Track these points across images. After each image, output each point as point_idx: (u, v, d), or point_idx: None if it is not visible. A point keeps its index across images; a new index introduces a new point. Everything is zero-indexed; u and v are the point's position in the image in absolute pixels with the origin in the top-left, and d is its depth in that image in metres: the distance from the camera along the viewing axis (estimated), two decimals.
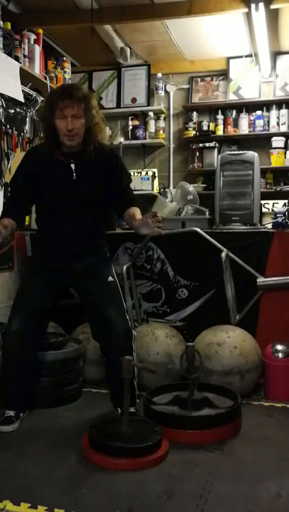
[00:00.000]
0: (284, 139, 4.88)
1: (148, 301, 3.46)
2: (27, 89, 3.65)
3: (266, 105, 4.96)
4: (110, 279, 2.64)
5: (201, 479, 2.02)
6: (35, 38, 3.96)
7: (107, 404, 2.66)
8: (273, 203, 4.47)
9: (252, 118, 5.00)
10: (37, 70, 3.93)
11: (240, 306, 3.19)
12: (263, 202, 4.22)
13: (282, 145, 4.88)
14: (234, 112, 5.07)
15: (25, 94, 3.59)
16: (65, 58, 4.56)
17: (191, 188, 3.89)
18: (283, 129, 4.89)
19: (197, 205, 3.73)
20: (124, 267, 3.35)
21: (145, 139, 5.23)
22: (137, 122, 5.29)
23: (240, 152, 3.76)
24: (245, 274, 3.19)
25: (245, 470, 2.10)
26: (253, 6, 3.50)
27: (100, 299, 2.58)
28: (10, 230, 2.55)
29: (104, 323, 2.56)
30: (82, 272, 2.60)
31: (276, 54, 4.89)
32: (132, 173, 4.91)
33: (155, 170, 5.20)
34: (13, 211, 2.64)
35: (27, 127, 3.67)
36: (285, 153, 4.88)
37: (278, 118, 4.91)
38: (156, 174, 5.17)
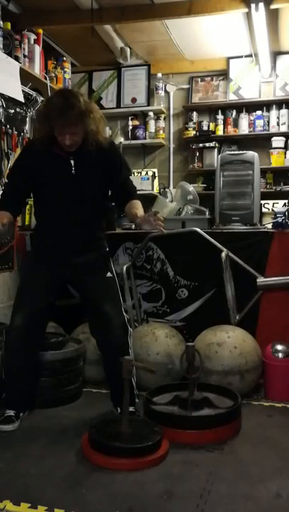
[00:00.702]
0: (284, 139, 4.88)
1: (148, 301, 3.46)
2: (27, 89, 3.65)
3: (266, 105, 4.96)
4: (109, 274, 2.64)
5: (201, 479, 2.02)
6: (35, 38, 3.96)
7: (107, 404, 2.67)
8: (273, 203, 4.47)
9: (252, 118, 5.00)
10: (37, 70, 3.93)
11: (240, 306, 3.19)
12: (263, 202, 4.22)
13: (282, 145, 4.88)
14: (234, 112, 5.06)
15: (25, 94, 3.60)
16: (65, 58, 4.56)
17: (191, 188, 3.89)
18: (283, 129, 4.89)
19: (197, 205, 3.73)
20: (124, 267, 3.35)
21: (145, 139, 5.23)
22: (137, 122, 5.29)
23: (240, 152, 3.76)
24: (245, 274, 3.19)
25: (245, 470, 2.10)
26: (253, 6, 3.50)
27: (98, 294, 2.58)
28: (7, 224, 2.52)
29: (101, 319, 2.56)
30: (81, 266, 2.60)
31: (276, 54, 4.89)
32: (132, 174, 4.92)
33: (155, 170, 5.20)
34: (9, 203, 2.61)
35: (27, 127, 3.67)
36: (285, 153, 4.87)
37: (278, 118, 4.91)
38: (156, 174, 5.17)
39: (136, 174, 4.96)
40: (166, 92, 5.31)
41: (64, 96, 2.45)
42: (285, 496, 1.90)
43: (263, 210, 4.27)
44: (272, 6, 3.58)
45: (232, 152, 4.09)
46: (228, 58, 5.07)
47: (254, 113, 5.00)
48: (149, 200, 4.19)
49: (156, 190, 4.94)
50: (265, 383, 2.99)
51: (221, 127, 5.08)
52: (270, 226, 3.46)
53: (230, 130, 5.05)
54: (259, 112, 4.97)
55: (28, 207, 3.60)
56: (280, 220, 3.27)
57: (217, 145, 5.01)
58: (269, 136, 4.92)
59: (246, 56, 4.94)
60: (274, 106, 4.92)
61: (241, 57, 4.98)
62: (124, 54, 4.96)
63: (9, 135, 3.45)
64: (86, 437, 2.26)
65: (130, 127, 5.27)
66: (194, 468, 2.11)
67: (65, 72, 4.39)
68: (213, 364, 2.85)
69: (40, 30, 4.03)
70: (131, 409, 2.42)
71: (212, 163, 4.87)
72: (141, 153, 5.38)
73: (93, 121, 2.46)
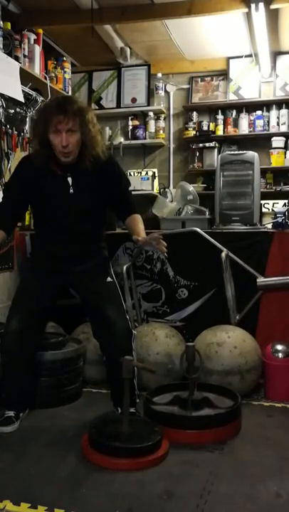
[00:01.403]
0: (284, 139, 4.88)
1: (148, 301, 3.46)
2: (27, 89, 3.65)
3: (266, 105, 4.96)
4: (109, 279, 2.64)
5: (201, 479, 2.02)
6: (35, 38, 3.96)
7: (107, 404, 2.67)
8: (273, 203, 4.47)
9: (252, 118, 4.99)
10: (37, 70, 3.93)
11: (240, 306, 3.19)
12: (263, 202, 4.22)
13: (282, 145, 4.88)
14: (234, 112, 5.06)
15: (25, 94, 3.60)
16: (65, 58, 4.56)
17: (191, 188, 3.89)
18: (283, 129, 4.89)
19: (197, 205, 3.73)
20: (124, 267, 3.35)
21: (145, 139, 5.23)
22: (137, 122, 5.29)
23: (240, 152, 3.76)
24: (245, 274, 3.19)
25: (245, 470, 2.10)
26: (253, 6, 3.50)
27: (100, 299, 2.58)
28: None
29: (104, 323, 2.56)
30: (80, 273, 2.61)
31: (276, 54, 4.89)
32: (132, 173, 4.93)
33: (155, 170, 5.19)
34: (3, 219, 2.56)
35: (27, 127, 3.67)
36: (285, 153, 4.87)
37: (278, 118, 4.91)
38: (156, 174, 5.17)
39: (136, 174, 4.96)
40: (166, 92, 5.31)
41: (62, 96, 2.44)
42: (285, 496, 1.90)
43: (263, 210, 4.27)
44: (272, 6, 3.58)
45: (232, 152, 4.09)
46: (228, 58, 5.07)
47: (254, 113, 4.99)
48: (149, 200, 4.20)
49: (156, 190, 4.94)
50: (265, 383, 2.99)
51: (221, 127, 5.08)
52: (270, 226, 3.47)
53: (230, 130, 5.05)
54: (259, 112, 4.97)
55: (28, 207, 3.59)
56: (280, 220, 3.27)
57: (217, 145, 5.01)
58: (269, 136, 4.92)
59: (246, 56, 4.94)
60: (274, 106, 4.92)
61: (241, 57, 4.98)
62: (124, 54, 4.96)
63: (9, 135, 3.44)
64: (86, 437, 2.26)
65: (130, 127, 5.27)
66: (194, 468, 2.11)
67: (65, 72, 4.39)
68: (213, 364, 2.85)
69: (40, 30, 4.02)
70: (132, 410, 2.42)
71: (212, 163, 4.87)
72: (141, 153, 5.38)
73: (91, 128, 2.42)
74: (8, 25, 3.55)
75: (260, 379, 2.99)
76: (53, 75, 4.25)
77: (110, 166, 2.61)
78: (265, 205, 4.45)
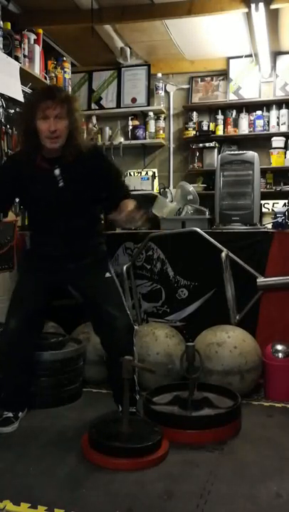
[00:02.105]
0: (284, 139, 4.88)
1: (148, 301, 3.46)
2: (27, 89, 3.65)
3: (266, 105, 4.96)
4: (108, 274, 2.59)
5: (201, 479, 2.02)
6: (35, 38, 3.96)
7: (107, 404, 2.66)
8: (273, 203, 4.47)
9: (252, 118, 5.00)
10: (37, 70, 3.93)
11: (240, 306, 3.19)
12: (263, 202, 4.22)
13: (282, 145, 4.89)
14: (234, 112, 5.07)
15: (25, 94, 3.59)
16: (65, 58, 4.56)
17: (191, 188, 3.89)
18: (283, 129, 4.89)
19: (197, 205, 3.73)
20: (124, 267, 3.35)
21: (145, 139, 5.23)
22: (137, 122, 5.29)
23: (240, 152, 3.77)
24: (245, 274, 3.18)
25: (245, 470, 2.10)
26: (253, 6, 3.50)
27: (99, 295, 2.55)
28: None
29: (104, 319, 2.53)
30: (77, 270, 2.56)
31: (276, 54, 4.89)
32: (132, 173, 4.93)
33: (155, 170, 5.19)
34: None
35: None
36: (285, 153, 4.88)
37: (278, 118, 4.91)
38: (156, 174, 5.17)
39: (136, 174, 4.96)
40: (166, 92, 5.31)
41: (48, 85, 2.43)
42: (285, 496, 1.90)
43: (263, 210, 4.27)
44: (272, 6, 3.59)
45: (232, 152, 4.10)
46: (228, 58, 5.07)
47: (254, 113, 5.00)
48: (149, 200, 4.19)
49: (156, 190, 4.94)
50: (265, 383, 2.99)
51: (221, 127, 5.08)
52: (270, 226, 3.47)
53: (230, 130, 5.06)
54: (259, 112, 4.97)
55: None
56: (280, 220, 3.27)
57: (217, 145, 5.01)
58: (269, 136, 4.93)
59: (246, 56, 4.94)
60: (274, 106, 4.92)
61: (241, 57, 4.99)
62: (124, 54, 4.96)
63: (9, 135, 3.44)
64: (86, 437, 2.25)
65: (130, 127, 5.27)
66: (194, 468, 2.11)
67: (65, 72, 4.39)
68: (213, 364, 2.85)
69: (40, 30, 4.03)
70: (132, 409, 2.42)
71: (212, 163, 4.87)
72: (141, 153, 5.38)
73: (77, 117, 2.40)
74: (8, 25, 3.55)
75: (260, 379, 2.99)
76: (53, 75, 4.26)
77: (97, 155, 2.57)
78: (265, 205, 4.46)
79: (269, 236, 3.23)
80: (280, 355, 2.92)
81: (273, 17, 3.93)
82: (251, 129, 5.00)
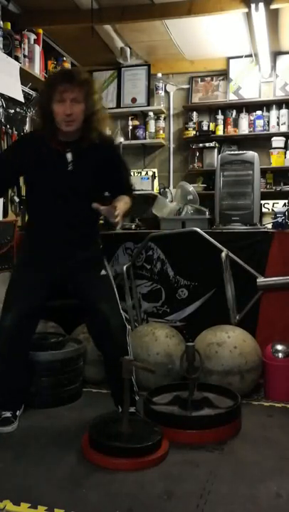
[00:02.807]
0: (284, 139, 4.89)
1: (148, 301, 3.45)
2: (27, 89, 3.65)
3: (266, 105, 4.96)
4: (103, 272, 2.57)
5: (201, 479, 2.01)
6: (35, 38, 3.97)
7: (107, 404, 2.66)
8: (273, 203, 4.47)
9: (252, 118, 5.00)
10: (37, 70, 3.93)
11: (240, 306, 3.19)
12: (263, 202, 4.23)
13: (282, 145, 4.89)
14: (234, 112, 5.07)
15: (25, 94, 3.60)
16: (65, 58, 4.56)
17: (191, 188, 3.89)
18: (283, 129, 4.90)
19: (197, 205, 3.73)
20: (124, 267, 3.35)
21: (145, 139, 5.23)
22: (137, 122, 5.29)
23: (240, 152, 3.77)
24: (245, 274, 3.19)
25: (245, 470, 2.10)
26: (253, 6, 3.50)
27: (93, 293, 2.51)
28: None
29: (97, 318, 2.50)
30: (72, 267, 2.53)
31: (276, 54, 4.90)
32: (132, 174, 4.92)
33: (155, 170, 5.20)
34: None
35: (27, 127, 3.67)
36: (285, 153, 4.88)
37: (278, 118, 4.92)
38: (156, 174, 5.17)
39: (136, 174, 4.96)
40: (166, 92, 5.32)
41: (68, 68, 2.40)
42: (285, 496, 1.90)
43: (263, 210, 4.27)
44: (272, 6, 3.59)
45: (232, 152, 4.10)
46: (228, 58, 5.08)
47: (254, 113, 5.00)
48: (149, 200, 4.20)
49: (156, 190, 4.95)
50: (265, 383, 2.99)
51: (221, 127, 5.08)
52: (270, 226, 3.47)
53: (230, 130, 5.06)
54: (259, 112, 4.98)
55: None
56: (280, 220, 3.27)
57: (217, 145, 5.01)
58: (269, 136, 4.93)
59: (246, 56, 4.95)
60: (274, 106, 4.93)
61: (241, 57, 4.99)
62: (124, 54, 4.96)
63: (9, 135, 3.45)
64: (86, 437, 2.25)
65: (130, 127, 5.27)
66: (194, 468, 2.11)
67: None
68: (213, 364, 2.85)
69: (40, 30, 4.03)
70: (132, 409, 2.42)
71: (212, 163, 4.88)
72: (141, 153, 5.38)
73: (96, 101, 2.37)
74: (8, 25, 3.55)
75: (260, 379, 2.99)
76: None
77: (112, 150, 2.57)
78: (265, 205, 4.46)
79: (269, 236, 3.23)
80: (280, 355, 2.92)
81: (273, 17, 3.94)
82: (251, 129, 5.00)
